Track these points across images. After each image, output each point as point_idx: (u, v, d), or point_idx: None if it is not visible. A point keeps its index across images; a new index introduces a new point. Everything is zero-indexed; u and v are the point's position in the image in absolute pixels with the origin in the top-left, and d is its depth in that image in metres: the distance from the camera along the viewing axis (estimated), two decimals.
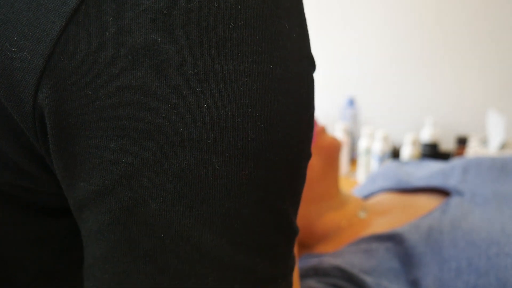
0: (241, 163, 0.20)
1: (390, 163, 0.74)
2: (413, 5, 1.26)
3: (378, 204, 0.57)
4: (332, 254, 0.48)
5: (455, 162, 0.60)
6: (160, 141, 0.19)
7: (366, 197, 0.65)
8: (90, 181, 0.19)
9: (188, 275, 0.19)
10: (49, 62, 0.19)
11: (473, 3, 1.19)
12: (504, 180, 0.52)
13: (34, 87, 0.19)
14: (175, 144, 0.19)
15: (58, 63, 0.19)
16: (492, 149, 1.00)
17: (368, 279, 0.40)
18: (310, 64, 0.23)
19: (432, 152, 1.17)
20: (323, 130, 0.53)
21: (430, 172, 0.62)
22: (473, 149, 1.04)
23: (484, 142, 1.10)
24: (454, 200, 0.49)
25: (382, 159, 1.09)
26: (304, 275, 0.44)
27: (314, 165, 0.51)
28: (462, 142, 1.15)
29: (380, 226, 0.51)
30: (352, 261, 0.44)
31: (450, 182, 0.54)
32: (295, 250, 0.35)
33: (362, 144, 1.14)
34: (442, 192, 0.55)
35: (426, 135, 1.18)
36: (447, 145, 1.26)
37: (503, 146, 0.98)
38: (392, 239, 0.45)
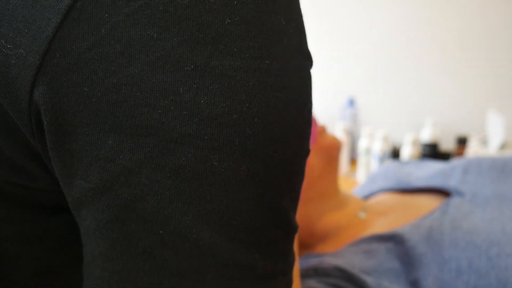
0: (239, 160, 0.20)
1: (390, 163, 0.74)
2: (413, 5, 1.26)
3: (378, 204, 0.57)
4: (332, 254, 0.48)
5: (455, 162, 0.60)
6: (157, 138, 0.19)
7: (366, 197, 0.65)
8: (88, 179, 0.19)
9: (187, 271, 0.19)
10: (44, 59, 0.19)
11: (473, 3, 1.19)
12: (505, 181, 0.51)
13: (30, 84, 0.19)
14: (172, 141, 0.19)
15: (54, 60, 0.19)
16: (492, 149, 1.00)
17: (369, 279, 0.39)
18: (307, 59, 0.23)
19: (432, 152, 1.17)
20: (323, 130, 0.53)
21: (430, 172, 0.61)
22: (473, 149, 1.04)
23: (484, 142, 1.09)
24: (454, 201, 0.49)
25: (382, 159, 1.09)
26: (304, 275, 0.43)
27: (314, 164, 0.51)
28: (462, 142, 1.15)
29: (380, 226, 0.51)
30: (353, 261, 0.44)
31: (451, 182, 0.54)
32: (295, 248, 0.35)
33: (362, 144, 1.14)
34: (442, 192, 0.55)
35: (426, 135, 1.18)
36: (447, 145, 1.26)
37: (503, 146, 0.98)
38: (393, 239, 0.45)
